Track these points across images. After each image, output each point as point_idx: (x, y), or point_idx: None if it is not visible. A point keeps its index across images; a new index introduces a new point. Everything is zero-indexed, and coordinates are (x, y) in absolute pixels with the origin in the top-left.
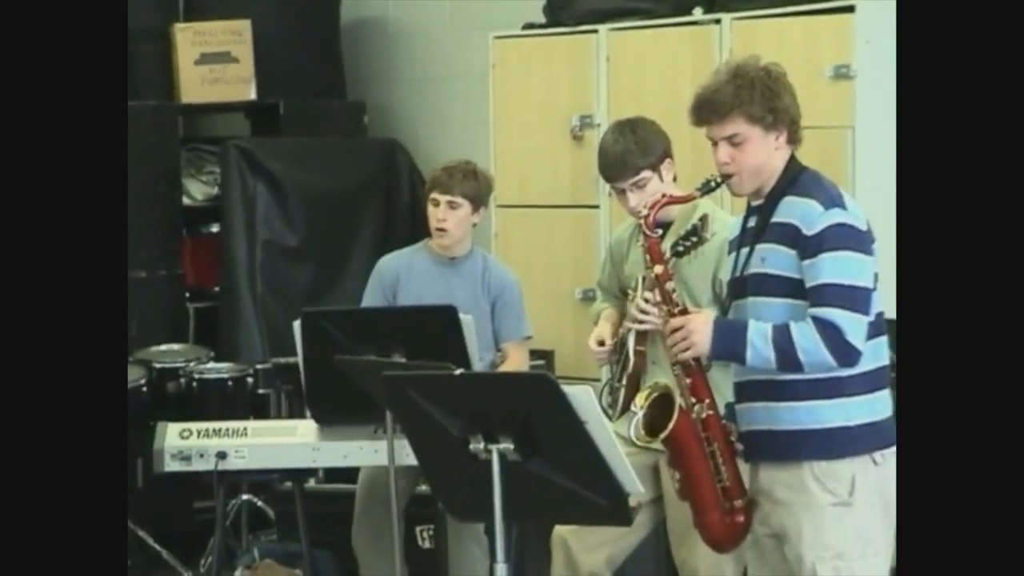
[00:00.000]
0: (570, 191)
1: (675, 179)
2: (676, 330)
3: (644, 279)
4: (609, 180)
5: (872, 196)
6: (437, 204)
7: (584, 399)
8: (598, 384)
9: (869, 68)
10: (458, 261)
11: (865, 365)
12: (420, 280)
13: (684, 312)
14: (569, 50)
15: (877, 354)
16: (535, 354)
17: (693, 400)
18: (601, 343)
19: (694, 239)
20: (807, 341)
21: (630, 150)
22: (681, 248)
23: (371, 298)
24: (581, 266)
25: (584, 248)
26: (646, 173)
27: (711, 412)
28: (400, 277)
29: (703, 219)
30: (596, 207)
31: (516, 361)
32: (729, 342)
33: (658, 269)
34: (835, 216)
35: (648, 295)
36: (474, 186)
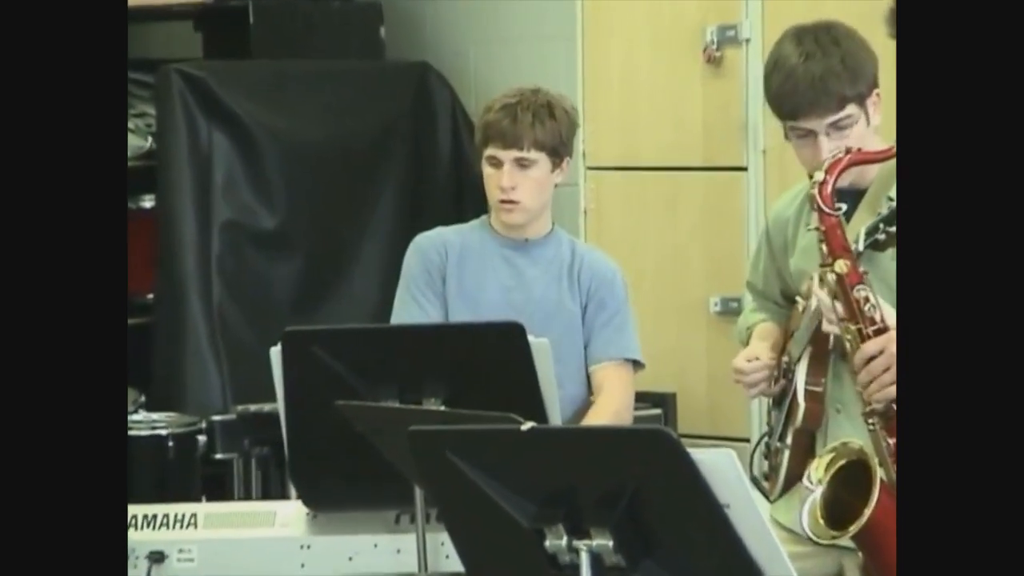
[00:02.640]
0: (702, 145)
1: (878, 125)
2: (872, 359)
3: (821, 279)
4: (794, 115)
5: None
6: (498, 164)
7: (725, 469)
8: (747, 446)
9: None
10: (534, 243)
11: None
12: (478, 266)
13: (883, 332)
14: None
15: None
16: (647, 398)
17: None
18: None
19: None
20: None
21: (834, 71)
22: (883, 236)
23: (415, 291)
24: (719, 262)
25: (723, 234)
26: (852, 109)
27: None
28: (449, 258)
29: None
30: (742, 170)
31: (614, 400)
32: None
33: (841, 266)
34: None
35: (823, 296)
36: (552, 129)
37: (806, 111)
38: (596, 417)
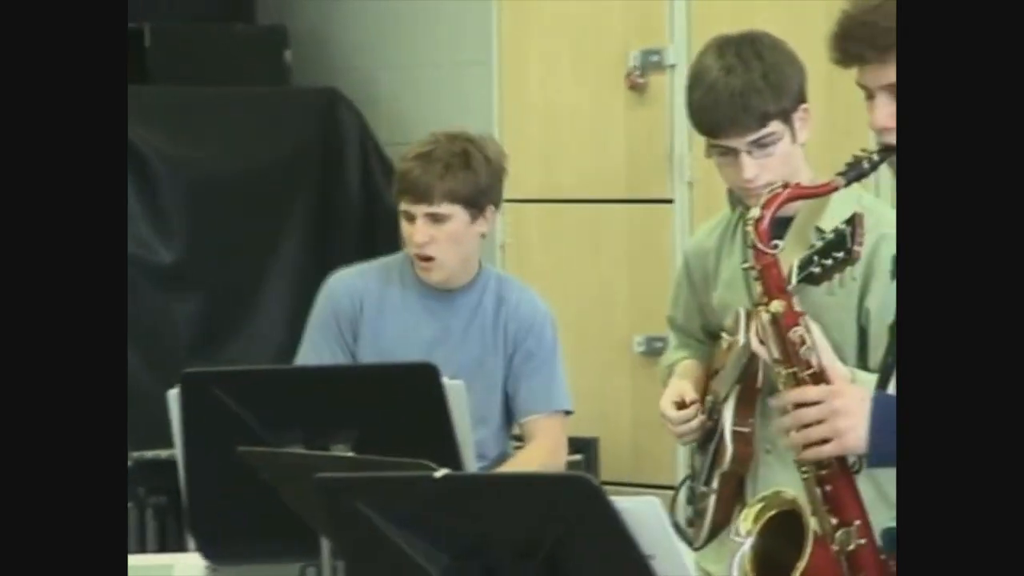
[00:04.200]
0: (626, 176)
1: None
2: (804, 405)
3: (749, 315)
4: (714, 132)
5: None
6: (411, 218)
7: (649, 518)
8: (670, 494)
9: None
10: (458, 292)
11: None
12: (397, 321)
13: (820, 378)
14: None
15: None
16: (569, 444)
17: (835, 521)
18: (683, 405)
19: (840, 255)
20: None
21: (755, 86)
22: (818, 270)
23: (319, 340)
24: (643, 300)
25: (648, 270)
26: (776, 126)
27: (864, 541)
28: (365, 309)
29: (854, 220)
30: (668, 202)
31: (544, 448)
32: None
33: (777, 306)
34: None
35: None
36: (467, 180)
37: (726, 128)
38: (519, 467)
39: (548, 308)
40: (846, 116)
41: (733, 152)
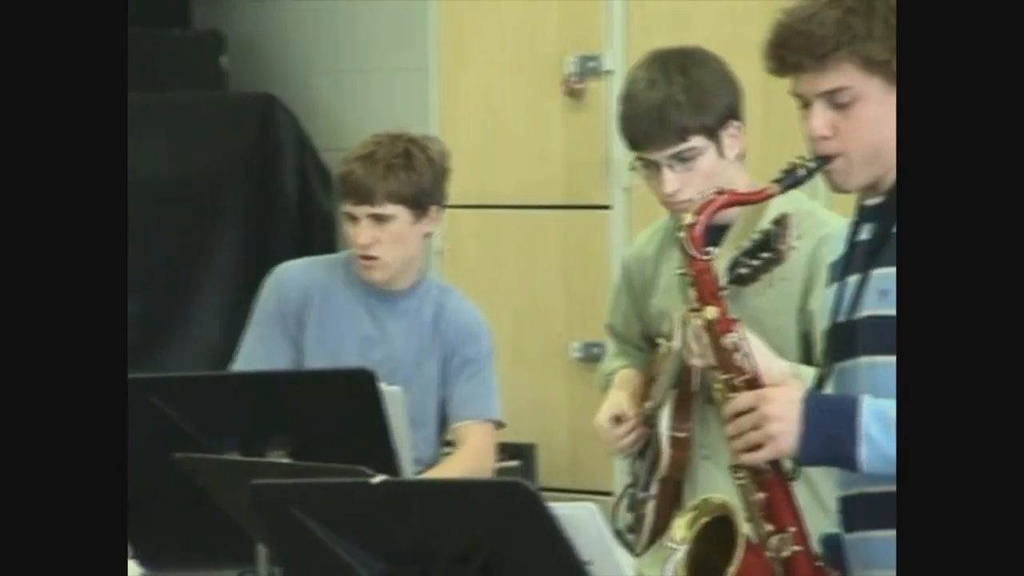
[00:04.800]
0: (563, 182)
1: (743, 155)
2: (741, 414)
3: (684, 322)
4: (636, 145)
5: None
6: (355, 220)
7: (586, 524)
8: (611, 500)
9: None
10: (399, 295)
11: None
12: (339, 314)
13: (754, 383)
14: None
15: None
16: (506, 450)
17: (769, 527)
18: (619, 419)
19: (768, 255)
20: None
21: (675, 100)
22: (746, 270)
23: (264, 331)
24: (580, 306)
25: (585, 276)
26: (697, 141)
27: (799, 547)
28: (312, 301)
29: (781, 221)
30: (606, 208)
31: (472, 453)
32: (830, 434)
33: (711, 312)
34: None
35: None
36: (409, 180)
37: (644, 142)
38: (448, 470)
39: (486, 321)
40: (782, 125)
41: (655, 165)
